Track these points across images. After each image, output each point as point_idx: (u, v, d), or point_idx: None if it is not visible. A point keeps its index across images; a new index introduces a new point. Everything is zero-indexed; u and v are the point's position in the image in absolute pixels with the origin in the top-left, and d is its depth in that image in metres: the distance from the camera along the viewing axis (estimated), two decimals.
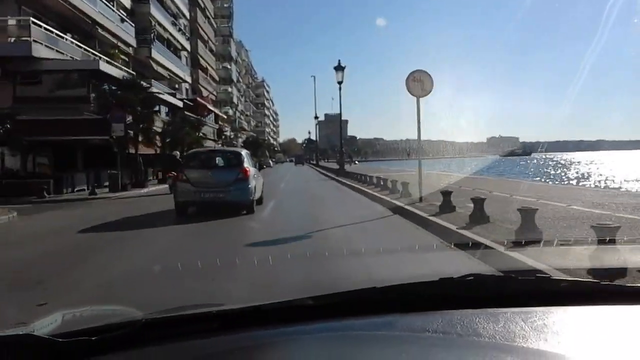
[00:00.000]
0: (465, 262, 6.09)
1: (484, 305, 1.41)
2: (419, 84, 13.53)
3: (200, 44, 58.65)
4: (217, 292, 4.80)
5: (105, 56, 29.35)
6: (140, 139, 25.95)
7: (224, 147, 51.40)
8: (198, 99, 46.88)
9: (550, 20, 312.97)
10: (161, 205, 14.96)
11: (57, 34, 24.32)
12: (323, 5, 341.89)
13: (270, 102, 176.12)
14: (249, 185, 12.67)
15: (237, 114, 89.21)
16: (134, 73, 33.86)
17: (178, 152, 26.52)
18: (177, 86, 50.87)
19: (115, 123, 22.12)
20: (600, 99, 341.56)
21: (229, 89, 76.37)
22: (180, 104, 39.35)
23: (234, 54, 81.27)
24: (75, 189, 22.14)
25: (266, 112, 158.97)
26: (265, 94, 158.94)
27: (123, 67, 29.56)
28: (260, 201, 14.04)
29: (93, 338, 1.22)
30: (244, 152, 14.50)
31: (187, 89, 53.11)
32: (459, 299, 1.43)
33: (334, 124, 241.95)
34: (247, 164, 13.34)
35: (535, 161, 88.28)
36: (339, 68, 34.74)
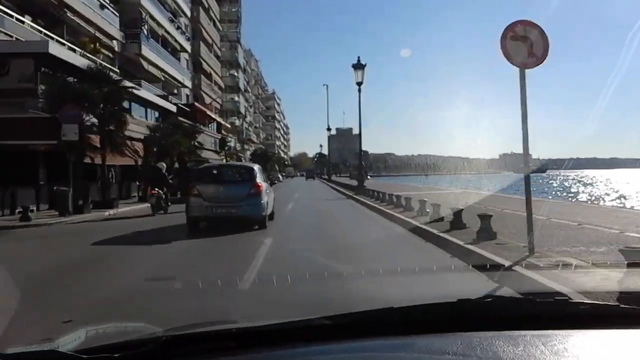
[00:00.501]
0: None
1: (503, 327, 1.37)
2: (522, 45, 7.64)
3: (203, 47, 53.26)
4: (232, 309, 4.67)
5: (75, 46, 23.85)
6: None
7: (229, 160, 45.89)
8: (196, 104, 41.23)
9: (569, 35, 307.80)
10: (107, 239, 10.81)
11: (3, 12, 18.82)
12: (334, 17, 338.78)
13: (281, 115, 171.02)
14: (262, 201, 12.33)
15: (245, 125, 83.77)
16: (117, 70, 28.35)
17: (164, 164, 20.74)
18: (175, 91, 45.40)
19: (66, 123, 16.37)
20: (616, 116, 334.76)
21: (236, 98, 70.93)
22: (172, 108, 33.73)
23: (241, 60, 75.95)
24: (5, 211, 16.25)
25: (276, 125, 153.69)
26: (276, 106, 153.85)
27: (91, 57, 23.85)
28: (271, 216, 13.56)
29: (116, 355, 1.25)
30: (256, 167, 14.00)
31: (187, 95, 47.59)
32: (478, 321, 1.40)
33: (345, 138, 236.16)
34: (260, 179, 13.00)
35: (553, 178, 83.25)
36: (359, 66, 28.95)
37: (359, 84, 28.96)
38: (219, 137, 47.75)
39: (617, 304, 1.76)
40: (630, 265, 4.89)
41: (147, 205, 18.62)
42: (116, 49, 31.25)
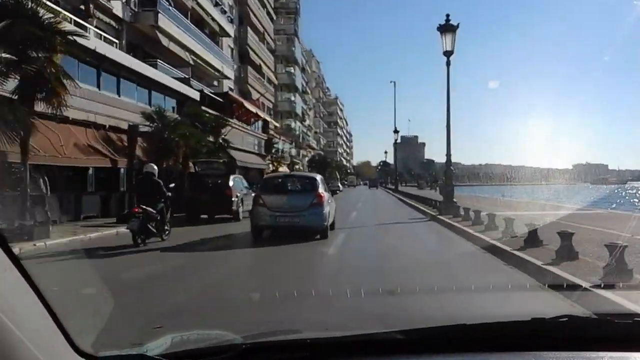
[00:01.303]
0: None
1: (578, 347, 1.34)
2: None
3: (252, 34, 45.24)
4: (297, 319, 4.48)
5: None
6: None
7: (276, 165, 37.61)
8: (230, 93, 32.82)
9: None
10: None
11: None
12: (395, 25, 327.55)
13: (344, 122, 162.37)
14: (324, 211, 12.27)
15: (303, 128, 75.52)
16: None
17: (155, 167, 12.21)
18: (216, 83, 37.50)
19: None
20: None
21: (292, 98, 62.72)
22: (194, 94, 25.50)
23: (299, 56, 67.73)
24: None
25: (339, 131, 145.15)
26: (339, 112, 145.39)
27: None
28: (332, 227, 13.28)
29: None
30: (318, 177, 13.92)
31: (231, 89, 39.63)
32: (552, 340, 1.37)
33: (410, 146, 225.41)
34: (322, 189, 12.97)
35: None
36: (448, 28, 19.17)
37: (448, 53, 19.36)
38: (265, 138, 39.27)
39: None
40: None
41: (116, 232, 12.53)
42: (122, 15, 23.36)
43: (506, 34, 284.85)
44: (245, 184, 19.68)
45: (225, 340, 1.56)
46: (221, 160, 19.01)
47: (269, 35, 52.22)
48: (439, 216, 18.25)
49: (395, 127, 55.81)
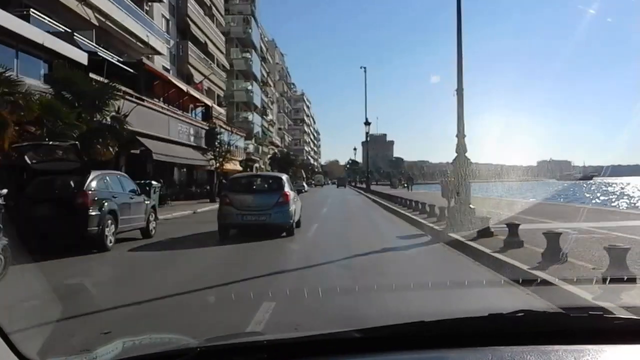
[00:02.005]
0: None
1: (534, 342, 1.34)
2: None
3: (194, 5, 37.07)
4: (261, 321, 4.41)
5: None
6: None
7: (220, 160, 29.74)
8: (148, 64, 24.48)
9: (609, 42, 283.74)
10: None
11: None
12: (364, 22, 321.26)
13: (311, 119, 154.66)
14: (289, 209, 12.33)
15: (264, 123, 67.53)
16: None
17: None
18: (145, 58, 29.25)
19: None
20: None
21: (249, 87, 54.61)
22: (79, 56, 17.28)
23: (257, 41, 59.62)
24: None
25: (306, 129, 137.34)
26: (305, 109, 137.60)
27: None
28: (298, 224, 13.47)
29: None
30: (284, 177, 13.89)
31: (166, 68, 31.46)
32: (510, 335, 1.37)
33: (378, 145, 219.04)
34: (288, 188, 12.96)
35: (600, 186, 74.75)
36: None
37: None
38: (206, 128, 30.99)
39: None
40: None
41: None
42: None
43: (473, 30, 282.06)
44: (132, 187, 11.73)
45: (179, 344, 1.49)
46: (68, 143, 10.61)
47: (217, 10, 44.04)
48: (451, 234, 10.65)
49: (367, 119, 48.42)
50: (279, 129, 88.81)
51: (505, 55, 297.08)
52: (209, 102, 30.92)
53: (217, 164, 29.99)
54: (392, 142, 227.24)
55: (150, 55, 30.17)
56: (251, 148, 55.51)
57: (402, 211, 19.40)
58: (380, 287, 5.99)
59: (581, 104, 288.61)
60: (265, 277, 7.18)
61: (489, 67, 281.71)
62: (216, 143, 30.17)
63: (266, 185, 13.36)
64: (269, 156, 65.18)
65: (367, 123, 48.35)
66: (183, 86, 28.07)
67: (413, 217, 16.39)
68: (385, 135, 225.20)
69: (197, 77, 35.57)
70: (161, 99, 24.71)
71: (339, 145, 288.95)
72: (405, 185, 75.14)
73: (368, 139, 54.69)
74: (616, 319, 1.53)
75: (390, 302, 5.31)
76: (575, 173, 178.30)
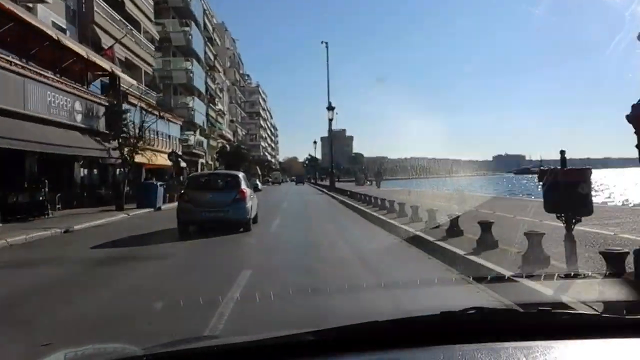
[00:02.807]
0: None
1: (486, 339, 1.33)
2: None
3: None
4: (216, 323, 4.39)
5: None
6: None
7: (128, 149, 20.64)
8: (4, 4, 15.13)
9: (552, 37, 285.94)
10: None
11: None
12: (321, 19, 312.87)
13: (268, 114, 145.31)
14: (246, 206, 12.76)
15: (211, 112, 58.22)
16: None
17: None
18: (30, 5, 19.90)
19: None
20: (602, 117, 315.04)
21: (189, 67, 45.21)
22: None
23: (198, 13, 50.12)
24: None
25: (262, 123, 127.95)
26: (261, 102, 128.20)
27: None
28: (255, 220, 13.81)
29: None
30: (241, 174, 14.39)
31: (60, 27, 22.09)
32: (462, 333, 1.35)
33: (338, 140, 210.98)
34: (244, 185, 13.40)
35: None
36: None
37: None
38: (105, 104, 21.51)
39: (598, 313, 1.86)
40: (631, 274, 4.50)
41: None
42: None
43: (428, 27, 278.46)
44: None
45: (123, 354, 1.41)
46: None
47: None
48: None
49: (330, 103, 39.97)
50: (231, 121, 79.41)
51: (466, 55, 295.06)
52: (108, 66, 21.34)
53: (126, 155, 20.80)
54: (351, 138, 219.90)
55: (30, 4, 20.85)
56: (192, 140, 46.28)
57: (405, 227, 11.17)
58: (337, 287, 5.81)
59: (533, 98, 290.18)
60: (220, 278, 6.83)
61: (447, 67, 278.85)
62: (122, 125, 20.88)
63: (224, 183, 13.71)
64: (215, 151, 55.98)
65: (330, 108, 39.93)
66: (69, 43, 18.59)
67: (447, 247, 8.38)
68: (344, 130, 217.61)
69: (105, 40, 26.14)
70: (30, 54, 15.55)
71: (297, 142, 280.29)
72: (371, 182, 67.57)
73: (327, 136, 46.42)
74: (564, 314, 1.53)
75: (345, 302, 5.05)
76: (532, 167, 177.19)
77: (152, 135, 27.27)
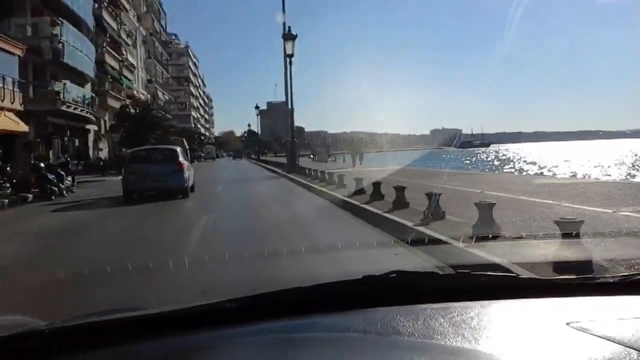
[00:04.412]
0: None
1: (406, 302, 1.34)
2: None
3: None
4: (143, 295, 4.13)
5: None
6: None
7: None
8: None
9: (479, 16, 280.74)
10: None
11: None
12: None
13: (200, 81, 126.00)
14: (184, 175, 14.04)
15: (111, 61, 40.63)
16: None
17: None
18: None
19: None
20: (538, 92, 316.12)
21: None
22: None
23: None
24: None
25: (193, 90, 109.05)
26: (192, 66, 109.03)
27: None
28: (192, 189, 14.94)
29: None
30: (178, 149, 15.63)
31: None
32: (382, 297, 1.35)
33: (278, 113, 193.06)
34: (182, 158, 14.65)
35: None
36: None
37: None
38: None
39: (515, 274, 1.83)
40: (564, 235, 4.70)
41: None
42: None
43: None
44: None
45: (23, 327, 1.28)
46: None
47: None
48: None
49: (289, 29, 23.79)
50: (149, 81, 61.22)
51: (407, 32, 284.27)
52: None
53: None
54: (292, 110, 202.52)
55: None
56: (73, 93, 29.02)
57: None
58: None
59: (465, 73, 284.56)
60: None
61: (388, 41, 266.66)
62: None
63: (163, 157, 14.74)
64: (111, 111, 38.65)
65: (289, 37, 23.95)
66: None
67: None
68: (285, 102, 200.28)
69: None
70: None
71: (235, 116, 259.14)
72: (335, 158, 52.10)
73: (290, 72, 30.51)
74: (482, 276, 1.51)
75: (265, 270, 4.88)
76: (474, 140, 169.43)
77: None
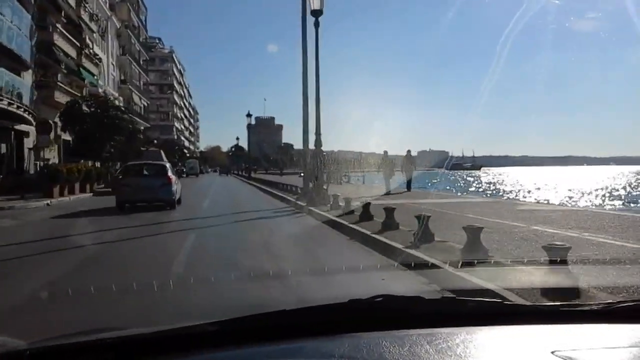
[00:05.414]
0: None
1: (392, 327, 1.31)
2: None
3: None
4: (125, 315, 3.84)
5: None
6: None
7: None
8: None
9: (471, 35, 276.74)
10: None
11: None
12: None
13: (185, 91, 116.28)
14: (172, 189, 15.12)
15: (69, 49, 31.01)
16: None
17: None
18: None
19: None
20: (525, 116, 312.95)
21: None
22: None
23: None
24: None
25: (177, 100, 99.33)
26: (176, 73, 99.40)
27: None
28: (179, 201, 16.14)
29: None
30: (167, 164, 17.19)
31: None
32: (368, 321, 1.33)
33: (266, 128, 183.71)
34: (170, 173, 15.90)
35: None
36: None
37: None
38: None
39: (500, 300, 1.84)
40: (552, 262, 4.68)
41: None
42: None
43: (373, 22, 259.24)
44: None
45: (4, 347, 1.26)
46: None
47: None
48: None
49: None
50: (123, 81, 51.52)
51: (393, 52, 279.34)
52: None
53: None
54: (280, 127, 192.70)
55: None
56: (10, 81, 19.38)
57: None
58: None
59: (451, 94, 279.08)
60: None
61: (375, 63, 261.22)
62: None
63: (153, 171, 16.01)
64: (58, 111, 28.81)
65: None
66: None
67: None
68: (273, 118, 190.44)
69: None
70: None
71: (221, 131, 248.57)
72: (348, 179, 42.33)
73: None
74: (469, 302, 1.50)
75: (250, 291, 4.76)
76: (464, 163, 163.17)
77: None
